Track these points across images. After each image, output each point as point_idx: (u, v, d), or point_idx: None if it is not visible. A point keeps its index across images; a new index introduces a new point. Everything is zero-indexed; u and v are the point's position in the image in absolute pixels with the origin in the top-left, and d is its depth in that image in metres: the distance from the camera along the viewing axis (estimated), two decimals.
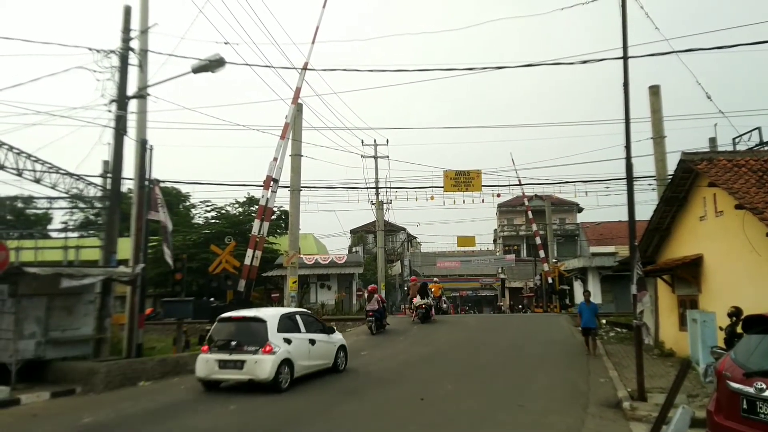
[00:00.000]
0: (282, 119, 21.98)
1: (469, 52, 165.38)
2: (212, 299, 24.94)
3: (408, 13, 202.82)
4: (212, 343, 11.68)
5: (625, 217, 11.56)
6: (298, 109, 22.84)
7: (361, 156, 35.23)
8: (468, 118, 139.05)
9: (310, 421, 8.98)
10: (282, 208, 38.58)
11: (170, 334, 19.35)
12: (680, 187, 15.00)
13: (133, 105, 15.14)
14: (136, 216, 15.36)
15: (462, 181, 27.41)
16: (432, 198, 28.57)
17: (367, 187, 33.96)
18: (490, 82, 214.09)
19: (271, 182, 20.86)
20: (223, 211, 41.39)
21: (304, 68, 21.62)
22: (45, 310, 12.61)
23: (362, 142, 36.53)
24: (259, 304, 24.65)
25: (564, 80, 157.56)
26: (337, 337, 14.09)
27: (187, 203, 48.12)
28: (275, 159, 20.94)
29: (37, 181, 14.08)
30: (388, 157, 36.53)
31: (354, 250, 52.54)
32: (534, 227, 41.11)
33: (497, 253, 63.33)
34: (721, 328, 11.01)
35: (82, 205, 17.64)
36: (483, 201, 31.04)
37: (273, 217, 29.20)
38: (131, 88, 15.12)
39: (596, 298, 27.98)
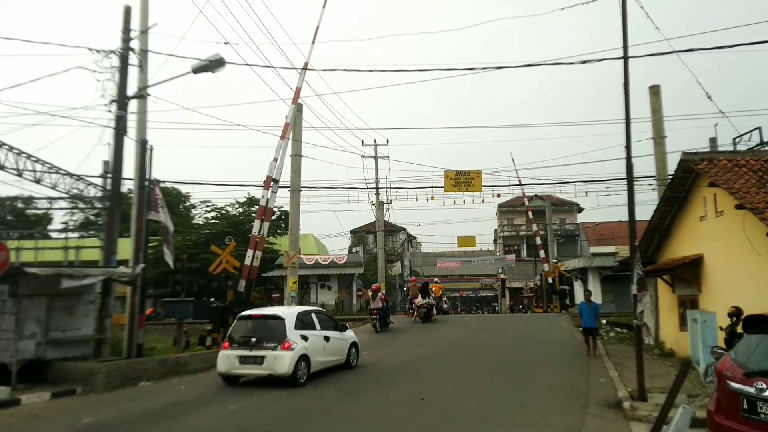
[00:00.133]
0: (282, 119, 21.97)
1: (469, 52, 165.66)
2: (212, 299, 24.88)
3: (408, 13, 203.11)
4: (233, 340, 12.10)
5: (625, 217, 11.57)
6: (298, 109, 22.83)
7: (361, 156, 35.27)
8: (468, 118, 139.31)
9: (310, 421, 8.97)
10: (282, 209, 38.59)
11: (170, 334, 19.39)
12: (680, 187, 15.00)
13: (133, 105, 15.19)
14: (136, 216, 15.39)
15: (462, 181, 27.44)
16: (432, 198, 28.63)
17: (367, 188, 33.87)
18: (490, 82, 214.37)
19: (271, 182, 20.83)
20: (224, 212, 41.42)
21: (304, 68, 21.60)
22: (45, 310, 12.61)
23: (362, 142, 36.56)
24: (259, 305, 24.64)
25: (564, 80, 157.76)
26: (350, 334, 14.51)
27: (187, 203, 48.19)
28: (275, 159, 20.92)
29: (38, 181, 14.08)
30: (388, 157, 36.49)
31: (354, 250, 52.56)
32: (534, 227, 41.05)
33: (497, 254, 63.24)
34: (721, 328, 11.01)
35: (82, 205, 17.62)
36: (483, 201, 31.05)
37: (273, 217, 29.19)
38: (131, 89, 15.17)
39: (596, 298, 27.88)
